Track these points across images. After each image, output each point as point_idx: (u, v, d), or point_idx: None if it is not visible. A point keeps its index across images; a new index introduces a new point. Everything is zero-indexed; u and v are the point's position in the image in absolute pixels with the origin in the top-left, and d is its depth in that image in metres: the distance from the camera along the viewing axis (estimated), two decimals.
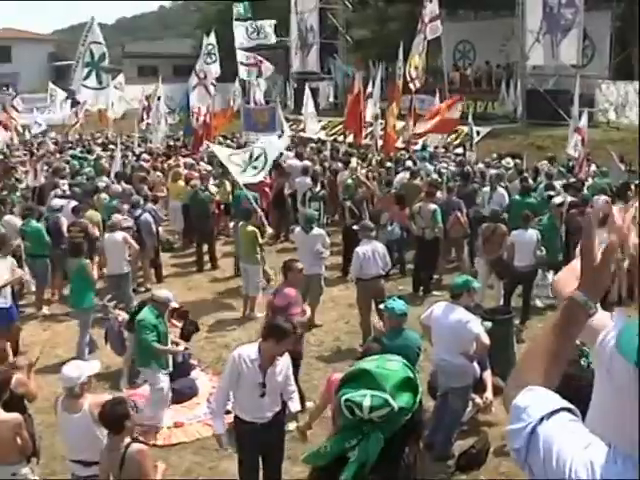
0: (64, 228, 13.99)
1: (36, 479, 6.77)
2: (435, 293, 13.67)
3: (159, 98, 25.44)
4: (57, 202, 14.95)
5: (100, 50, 21.17)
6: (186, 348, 10.21)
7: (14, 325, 11.47)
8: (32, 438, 7.00)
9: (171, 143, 26.98)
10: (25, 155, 26.47)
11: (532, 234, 12.26)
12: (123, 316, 10.74)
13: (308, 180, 17.00)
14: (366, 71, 34.09)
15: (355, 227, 12.86)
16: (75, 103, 33.31)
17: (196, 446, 8.78)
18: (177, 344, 10.04)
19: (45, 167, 19.92)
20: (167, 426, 9.12)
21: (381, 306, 8.44)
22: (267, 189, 17.14)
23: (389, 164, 19.35)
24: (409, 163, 18.76)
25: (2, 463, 6.48)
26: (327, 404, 6.63)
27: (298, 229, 13.13)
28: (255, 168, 13.83)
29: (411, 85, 21.10)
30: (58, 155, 23.99)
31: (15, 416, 6.51)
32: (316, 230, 12.66)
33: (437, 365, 8.25)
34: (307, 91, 26.35)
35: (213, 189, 16.86)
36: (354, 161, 19.38)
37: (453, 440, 8.19)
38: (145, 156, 23.05)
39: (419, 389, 2.27)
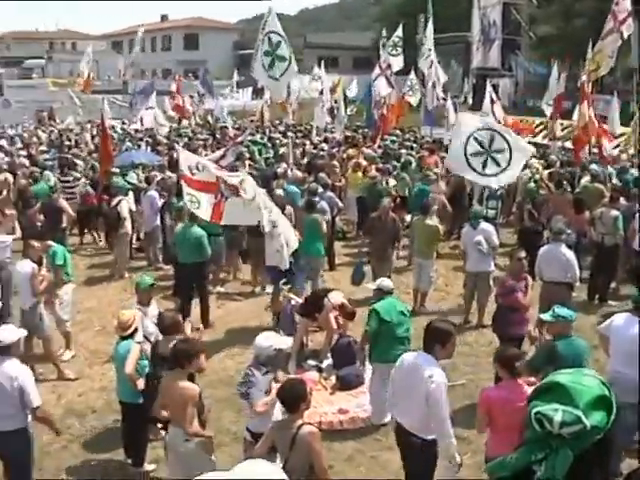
0: None
1: None
2: (611, 303, 13.18)
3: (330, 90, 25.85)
4: None
5: (277, 39, 21.66)
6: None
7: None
8: (202, 409, 7.33)
9: (348, 134, 27.24)
10: (206, 140, 27.53)
11: None
12: (296, 299, 11.02)
13: None
14: (548, 69, 33.14)
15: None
16: (256, 91, 34.39)
17: (359, 434, 8.87)
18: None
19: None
20: (332, 412, 9.22)
21: (544, 316, 8.12)
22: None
23: (569, 168, 18.67)
24: (594, 167, 17.98)
25: (177, 426, 6.76)
26: (485, 418, 6.51)
27: (467, 226, 12.94)
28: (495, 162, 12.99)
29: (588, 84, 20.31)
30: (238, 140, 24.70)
31: (194, 387, 6.80)
32: (483, 224, 12.46)
33: (612, 377, 7.90)
34: (489, 87, 25.86)
35: (391, 182, 16.89)
36: (535, 162, 18.83)
37: (622, 457, 7.87)
38: (323, 145, 23.44)
39: (613, 408, 2.19)
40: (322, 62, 30.76)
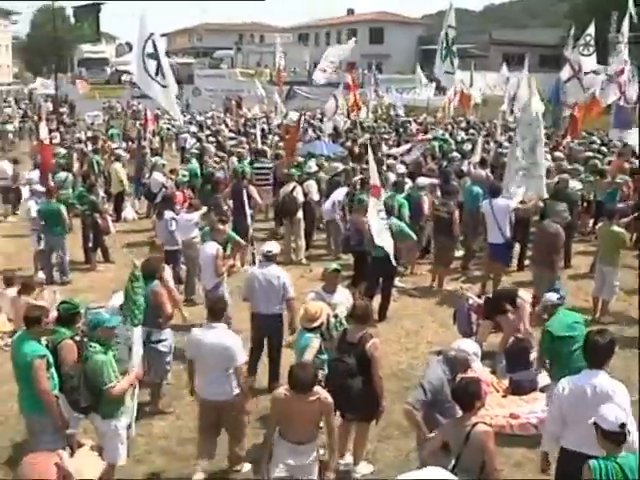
0: (425, 206, 14.53)
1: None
2: None
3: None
4: (422, 181, 15.54)
5: (453, 34, 21.54)
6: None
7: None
8: (378, 400, 7.43)
9: None
10: (389, 133, 27.71)
11: None
12: (474, 299, 10.92)
13: None
14: None
15: None
16: (439, 87, 34.24)
17: (529, 441, 8.61)
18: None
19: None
20: (503, 416, 9.06)
21: None
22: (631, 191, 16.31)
23: None
24: None
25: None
26: None
27: None
28: None
29: None
30: (421, 136, 24.71)
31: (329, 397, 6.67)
32: None
33: None
34: None
35: (577, 185, 16.37)
36: None
37: None
38: (506, 144, 22.99)
39: None
40: (507, 59, 30.16)
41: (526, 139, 13.15)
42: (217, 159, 20.35)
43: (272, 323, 9.73)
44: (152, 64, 14.59)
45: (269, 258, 9.82)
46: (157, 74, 14.50)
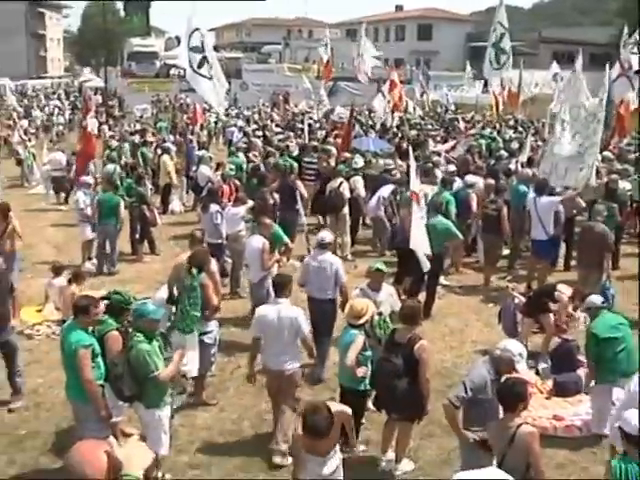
0: (473, 204, 14.46)
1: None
2: None
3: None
4: (470, 179, 15.46)
5: (501, 31, 21.35)
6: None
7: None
8: (423, 402, 7.45)
9: None
10: (437, 130, 27.56)
11: None
12: (520, 299, 10.84)
13: None
14: None
15: None
16: (486, 84, 34.03)
17: (573, 443, 8.57)
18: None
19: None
20: (546, 417, 8.97)
21: None
22: None
23: None
24: None
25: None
26: None
27: None
28: None
29: None
30: (466, 134, 24.56)
31: (345, 409, 6.64)
32: None
33: None
34: None
35: (626, 186, 16.12)
36: None
37: None
38: None
39: None
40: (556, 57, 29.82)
41: (578, 120, 12.94)
42: (256, 153, 20.37)
43: (324, 307, 10.04)
44: (196, 57, 14.80)
45: (323, 246, 10.20)
46: (200, 67, 14.66)
